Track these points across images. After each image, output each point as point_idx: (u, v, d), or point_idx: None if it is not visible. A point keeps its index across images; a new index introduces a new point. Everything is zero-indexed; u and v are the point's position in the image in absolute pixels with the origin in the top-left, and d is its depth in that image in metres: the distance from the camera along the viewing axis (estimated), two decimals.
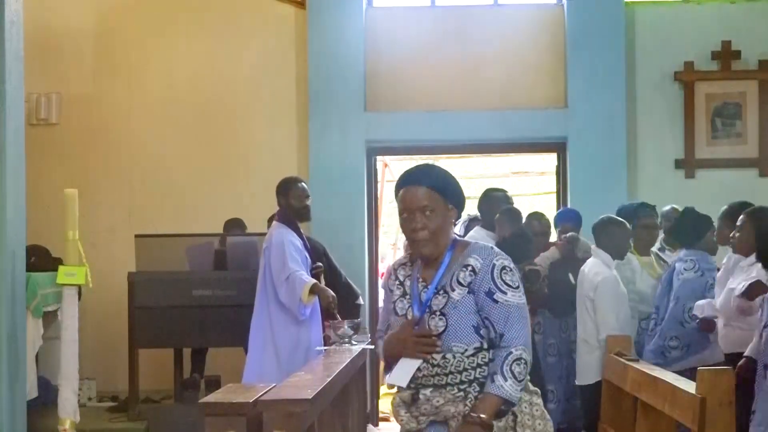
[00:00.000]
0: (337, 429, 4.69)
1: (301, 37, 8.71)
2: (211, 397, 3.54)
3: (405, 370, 3.00)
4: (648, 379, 4.71)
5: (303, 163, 8.55)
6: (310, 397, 3.54)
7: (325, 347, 5.89)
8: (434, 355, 2.95)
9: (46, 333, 6.54)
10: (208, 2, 8.93)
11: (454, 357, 2.94)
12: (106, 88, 8.80)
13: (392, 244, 12.64)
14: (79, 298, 5.76)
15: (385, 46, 8.66)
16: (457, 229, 8.12)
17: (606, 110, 8.42)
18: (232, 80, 8.80)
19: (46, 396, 6.69)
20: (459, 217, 3.18)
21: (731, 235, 5.14)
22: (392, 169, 12.04)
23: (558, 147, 8.76)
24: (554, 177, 9.09)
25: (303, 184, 6.29)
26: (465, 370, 2.94)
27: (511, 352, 2.91)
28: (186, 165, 8.73)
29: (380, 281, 8.18)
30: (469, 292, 2.96)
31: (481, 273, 2.97)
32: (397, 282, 3.12)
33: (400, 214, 3.05)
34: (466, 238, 3.22)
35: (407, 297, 3.06)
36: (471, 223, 7.29)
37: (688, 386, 4.18)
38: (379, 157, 9.22)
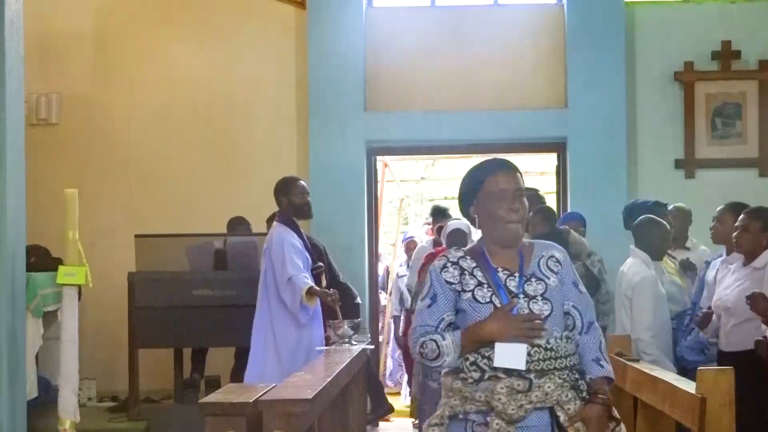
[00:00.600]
0: (337, 429, 4.69)
1: (301, 37, 8.72)
2: (211, 397, 3.54)
3: (513, 354, 2.93)
4: (648, 379, 4.70)
5: (303, 163, 8.55)
6: (310, 397, 3.54)
7: (325, 347, 5.89)
8: (540, 340, 2.96)
9: (46, 333, 6.53)
10: (208, 2, 8.94)
11: (557, 342, 2.99)
12: (106, 88, 8.81)
13: (392, 244, 12.62)
14: (79, 298, 5.76)
15: (385, 46, 8.66)
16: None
17: (606, 110, 8.42)
18: (232, 80, 8.80)
19: (46, 396, 6.69)
20: None
21: (734, 234, 5.12)
22: (392, 169, 12.02)
23: (558, 147, 8.76)
24: (554, 177, 9.09)
25: (302, 182, 6.30)
26: (569, 355, 3.01)
27: (601, 341, 3.10)
28: (186, 165, 8.74)
29: (414, 279, 8.09)
30: (559, 281, 3.08)
31: (564, 264, 3.12)
32: (466, 273, 3.07)
33: (493, 196, 3.05)
34: None
35: (486, 285, 3.04)
36: None
37: (688, 386, 4.17)
38: (379, 157, 9.22)
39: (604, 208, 7.83)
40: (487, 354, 2.96)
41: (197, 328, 7.20)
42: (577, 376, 3.01)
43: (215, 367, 7.83)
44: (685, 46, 8.62)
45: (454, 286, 3.05)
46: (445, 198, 14.95)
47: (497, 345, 2.94)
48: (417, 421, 8.25)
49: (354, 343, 5.89)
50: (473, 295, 3.03)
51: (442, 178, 16.36)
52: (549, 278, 3.05)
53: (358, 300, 7.29)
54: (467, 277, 3.05)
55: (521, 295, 3.01)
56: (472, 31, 8.67)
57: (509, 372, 2.93)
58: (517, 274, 3.04)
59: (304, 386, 3.81)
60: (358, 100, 8.57)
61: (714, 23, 8.64)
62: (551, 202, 9.06)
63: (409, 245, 9.42)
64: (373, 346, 7.31)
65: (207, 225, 8.04)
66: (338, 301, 5.96)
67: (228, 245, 7.46)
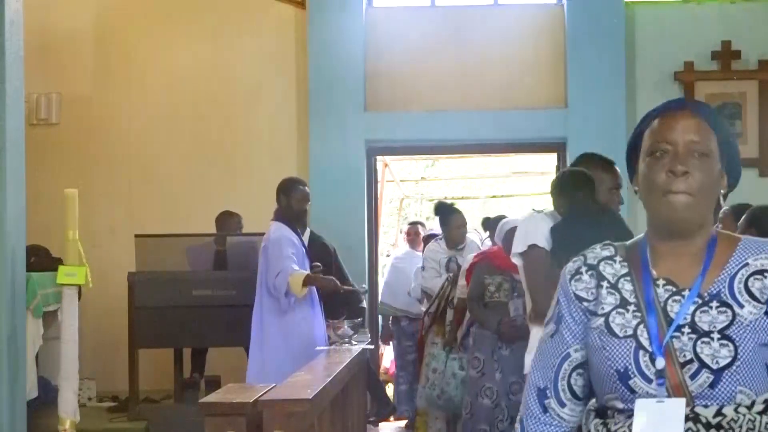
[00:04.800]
0: (337, 429, 4.69)
1: (301, 37, 8.71)
2: (211, 397, 3.54)
3: (661, 423, 1.75)
4: None
5: (303, 163, 8.55)
6: (310, 397, 3.54)
7: (325, 347, 5.90)
8: (702, 409, 1.75)
9: (46, 333, 6.52)
10: (208, 2, 8.94)
11: (737, 413, 1.75)
12: (106, 88, 8.80)
13: (392, 245, 12.64)
14: (79, 298, 5.77)
15: (385, 46, 8.66)
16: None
17: (606, 110, 8.42)
18: (232, 80, 8.80)
19: (46, 396, 6.69)
20: (728, 192, 1.94)
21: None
22: (392, 169, 12.04)
23: (558, 147, 8.76)
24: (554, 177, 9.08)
25: (306, 188, 6.29)
26: None
27: None
28: (186, 165, 8.73)
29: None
30: (765, 313, 1.80)
31: None
32: (605, 284, 1.90)
33: (649, 153, 1.90)
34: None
35: (632, 306, 1.85)
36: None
37: None
38: (379, 157, 9.22)
39: None
40: (615, 428, 1.82)
41: (197, 328, 7.19)
42: None
43: (215, 367, 7.83)
44: (685, 46, 8.61)
45: (585, 303, 1.91)
46: (445, 198, 14.97)
47: (641, 405, 1.76)
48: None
49: (354, 343, 5.89)
50: (606, 322, 1.86)
51: (442, 178, 16.39)
52: (743, 306, 1.79)
53: (364, 305, 7.29)
54: (604, 292, 1.89)
55: (686, 328, 1.79)
56: (472, 31, 8.68)
57: None
58: (687, 291, 1.82)
59: (304, 386, 3.81)
60: (358, 100, 8.56)
61: (714, 23, 8.64)
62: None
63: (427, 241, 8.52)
64: (373, 346, 7.30)
65: (207, 225, 8.04)
66: (340, 288, 5.95)
67: (228, 245, 7.47)
